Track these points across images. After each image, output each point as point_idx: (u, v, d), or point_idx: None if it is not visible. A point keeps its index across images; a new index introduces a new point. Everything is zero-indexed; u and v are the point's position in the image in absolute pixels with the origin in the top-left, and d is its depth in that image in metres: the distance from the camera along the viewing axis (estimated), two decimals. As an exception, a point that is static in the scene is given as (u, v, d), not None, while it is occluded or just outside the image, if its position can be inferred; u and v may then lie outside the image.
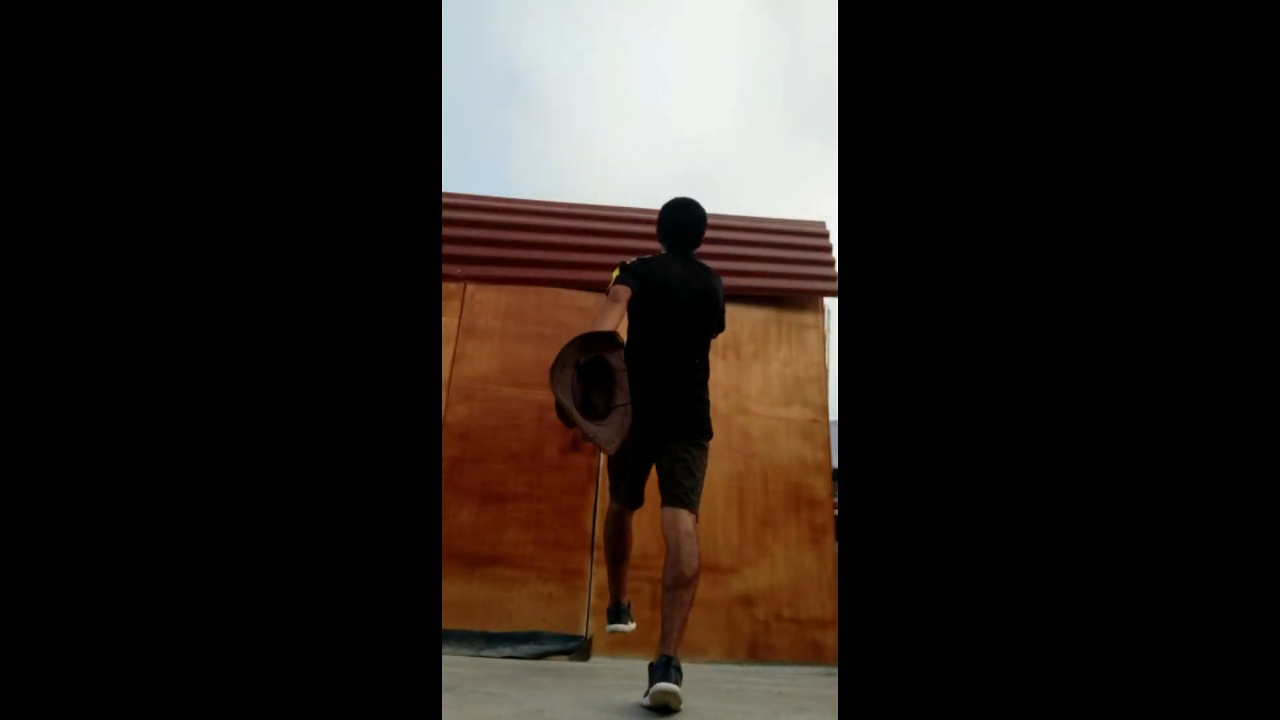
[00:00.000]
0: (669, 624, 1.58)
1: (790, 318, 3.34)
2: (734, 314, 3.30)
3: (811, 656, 2.73)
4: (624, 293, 1.83)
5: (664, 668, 1.46)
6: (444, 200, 3.27)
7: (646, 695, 1.46)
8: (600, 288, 3.23)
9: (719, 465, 2.91)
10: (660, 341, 1.87)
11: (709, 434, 1.87)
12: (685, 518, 1.76)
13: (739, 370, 3.18)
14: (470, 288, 3.17)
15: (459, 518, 2.76)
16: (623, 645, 2.58)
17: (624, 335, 1.83)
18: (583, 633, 2.64)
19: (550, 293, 3.19)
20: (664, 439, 1.83)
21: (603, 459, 2.95)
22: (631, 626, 1.99)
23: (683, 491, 1.78)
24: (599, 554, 2.66)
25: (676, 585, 1.62)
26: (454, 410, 2.94)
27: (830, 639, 2.75)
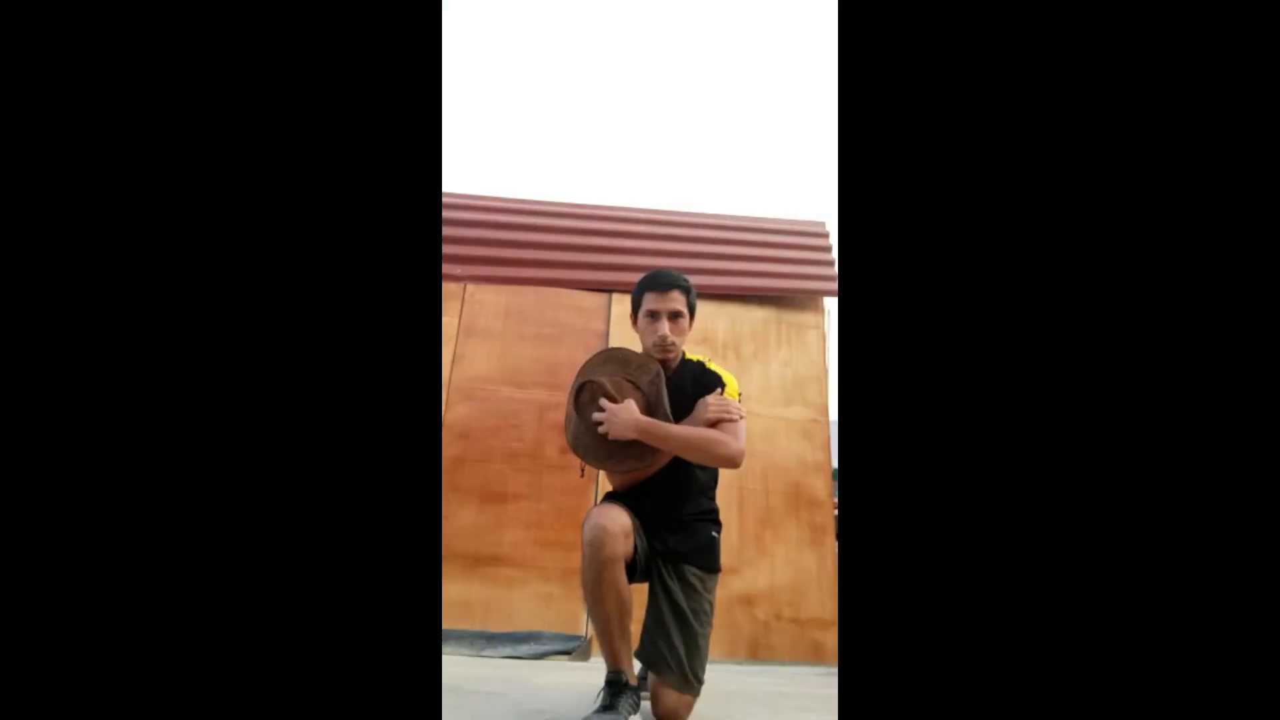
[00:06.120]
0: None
1: (790, 318, 3.34)
2: (734, 314, 3.30)
3: (811, 656, 2.73)
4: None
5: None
6: (444, 200, 3.28)
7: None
8: (601, 287, 3.23)
9: (719, 465, 2.90)
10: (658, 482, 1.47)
11: (716, 565, 1.49)
12: (675, 702, 1.33)
13: (739, 370, 3.18)
14: (470, 288, 3.17)
15: (459, 518, 2.76)
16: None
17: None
18: (583, 633, 2.64)
19: (550, 293, 3.19)
20: (656, 552, 1.43)
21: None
22: None
23: (673, 656, 1.34)
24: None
25: None
26: (454, 410, 2.94)
27: (830, 639, 2.75)
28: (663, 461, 1.44)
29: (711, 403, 1.43)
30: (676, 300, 1.51)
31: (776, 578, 2.84)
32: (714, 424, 1.42)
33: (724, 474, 3.07)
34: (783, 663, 2.70)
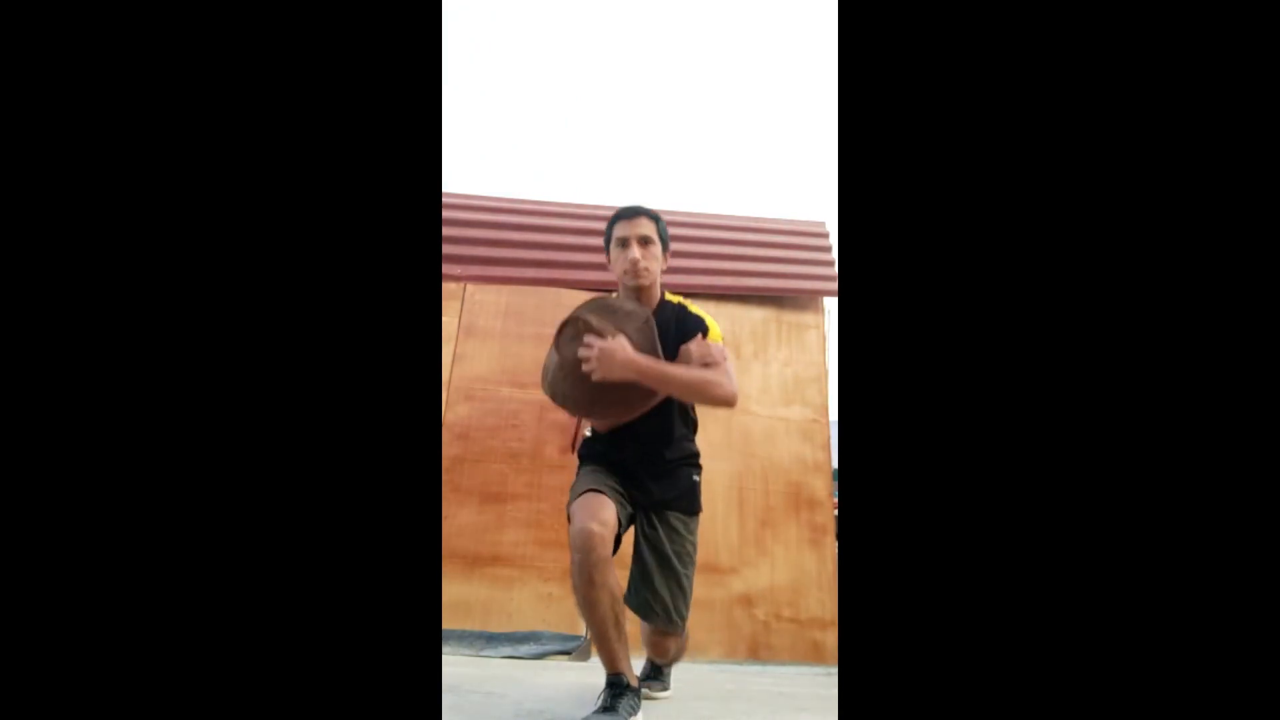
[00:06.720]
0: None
1: (790, 318, 3.34)
2: (734, 314, 3.30)
3: (811, 656, 2.73)
4: None
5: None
6: (444, 200, 3.27)
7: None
8: (601, 288, 3.22)
9: (719, 465, 2.91)
10: (639, 427, 1.45)
11: (698, 507, 1.52)
12: (669, 641, 1.47)
13: (739, 370, 3.18)
14: (470, 288, 3.16)
15: (459, 518, 2.76)
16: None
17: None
18: (582, 633, 2.64)
19: (550, 293, 3.19)
20: (641, 502, 1.45)
21: None
22: None
23: (659, 602, 1.41)
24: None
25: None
26: (454, 410, 2.94)
27: (830, 639, 2.75)
28: (648, 406, 1.41)
29: (695, 350, 1.42)
30: (645, 226, 1.51)
31: (776, 578, 2.84)
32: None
33: (724, 474, 3.02)
34: (783, 663, 2.69)
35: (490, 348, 3.08)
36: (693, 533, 1.50)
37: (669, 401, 1.47)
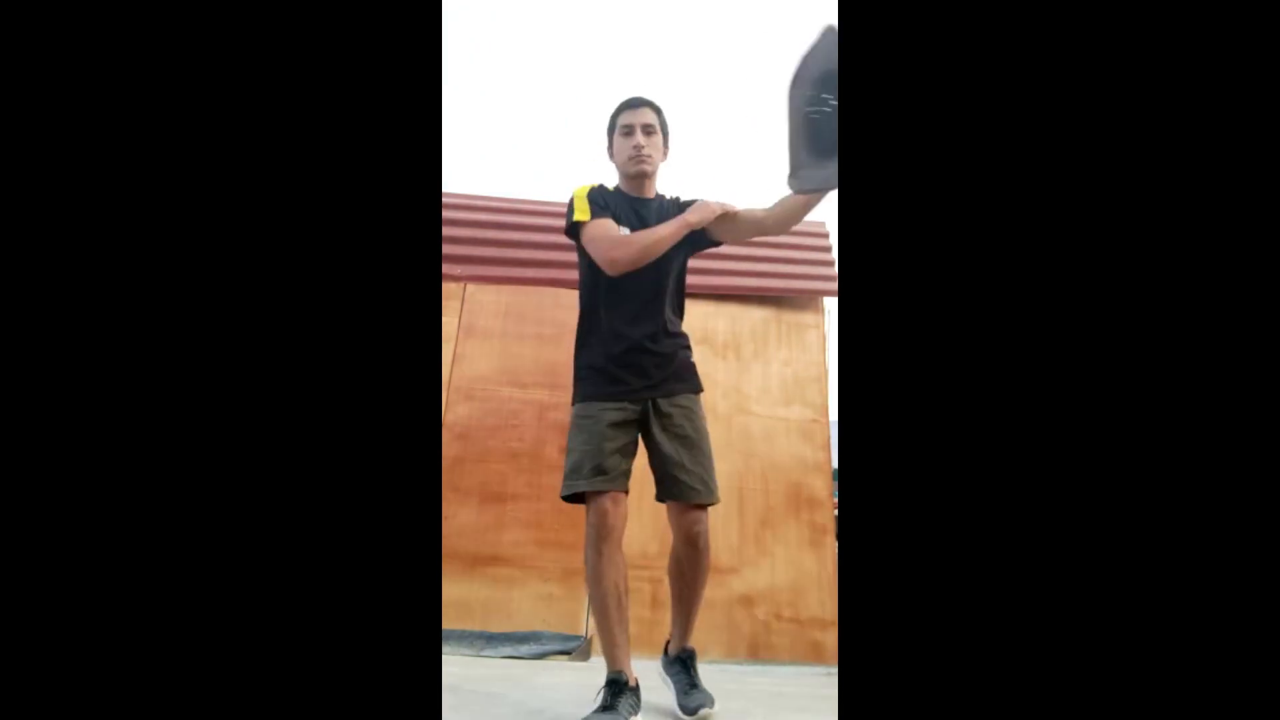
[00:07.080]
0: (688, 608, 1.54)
1: (790, 318, 3.34)
2: (734, 314, 3.30)
3: (811, 656, 2.73)
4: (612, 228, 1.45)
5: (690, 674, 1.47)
6: (444, 200, 3.27)
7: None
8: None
9: (719, 465, 2.90)
10: (638, 302, 1.50)
11: (700, 386, 1.58)
12: (705, 520, 1.48)
13: (739, 370, 3.18)
14: (470, 288, 3.16)
15: (459, 518, 2.76)
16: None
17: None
18: (583, 633, 2.64)
19: (550, 293, 3.19)
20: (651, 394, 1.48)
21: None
22: None
23: (698, 481, 1.45)
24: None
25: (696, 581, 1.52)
26: (454, 410, 2.94)
27: (830, 639, 2.75)
28: (662, 249, 1.44)
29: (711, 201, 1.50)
30: (649, 115, 1.55)
31: (776, 578, 2.84)
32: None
33: (724, 474, 3.04)
34: (783, 663, 2.69)
35: (490, 348, 3.08)
36: (701, 408, 1.55)
37: (666, 281, 1.52)
